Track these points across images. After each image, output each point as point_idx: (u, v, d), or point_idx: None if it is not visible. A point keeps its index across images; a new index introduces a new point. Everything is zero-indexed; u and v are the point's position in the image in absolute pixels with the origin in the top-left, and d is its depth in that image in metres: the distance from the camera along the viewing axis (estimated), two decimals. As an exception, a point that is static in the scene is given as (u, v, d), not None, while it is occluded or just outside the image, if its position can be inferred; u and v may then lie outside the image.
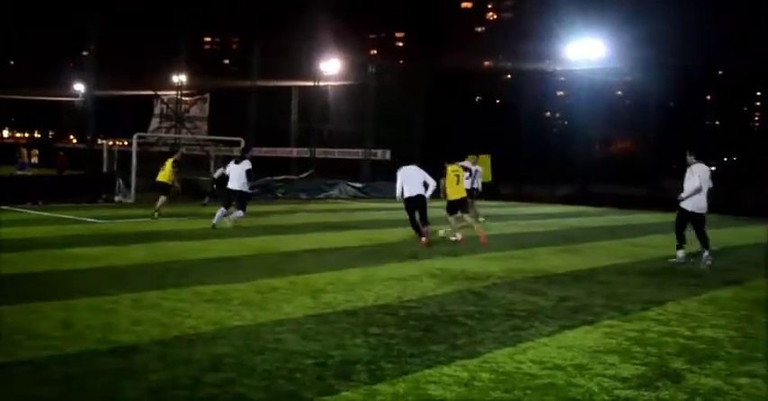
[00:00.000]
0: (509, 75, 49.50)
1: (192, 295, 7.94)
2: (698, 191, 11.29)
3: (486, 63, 56.72)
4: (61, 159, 33.66)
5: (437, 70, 37.93)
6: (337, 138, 31.81)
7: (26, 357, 5.44)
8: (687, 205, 11.43)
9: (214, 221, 15.24)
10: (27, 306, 7.16)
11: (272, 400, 4.68)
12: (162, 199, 17.58)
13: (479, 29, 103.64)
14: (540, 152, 34.13)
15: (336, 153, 32.22)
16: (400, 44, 70.55)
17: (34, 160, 35.86)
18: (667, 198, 25.80)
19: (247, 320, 6.87)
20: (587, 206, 27.60)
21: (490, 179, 28.64)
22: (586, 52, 31.81)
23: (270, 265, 10.35)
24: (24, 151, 33.49)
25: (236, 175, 15.33)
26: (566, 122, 46.59)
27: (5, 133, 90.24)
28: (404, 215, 14.02)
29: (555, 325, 6.97)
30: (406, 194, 13.63)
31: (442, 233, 14.91)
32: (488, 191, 30.54)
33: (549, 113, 48.52)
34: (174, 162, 18.40)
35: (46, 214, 17.68)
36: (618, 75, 39.19)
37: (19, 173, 27.50)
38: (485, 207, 25.43)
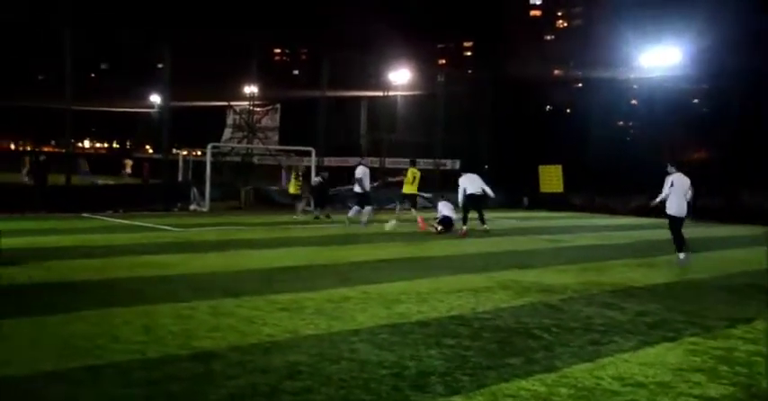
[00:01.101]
0: (580, 84, 48.78)
1: (267, 303, 8.05)
2: (668, 197, 12.78)
3: (556, 71, 56.01)
4: (132, 167, 34.95)
5: (506, 79, 37.64)
6: (406, 148, 31.82)
7: (112, 360, 5.59)
8: (669, 210, 12.87)
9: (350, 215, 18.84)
10: (110, 311, 7.38)
11: (349, 410, 4.68)
12: (299, 205, 21.38)
13: (549, 37, 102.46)
14: (611, 162, 33.40)
15: (405, 163, 32.20)
16: (468, 53, 70.35)
17: (128, 170, 37.44)
18: (746, 210, 25.01)
19: (322, 329, 6.91)
20: (661, 218, 26.82)
21: (561, 189, 28.22)
22: (661, 59, 31.05)
23: (341, 275, 10.41)
24: (129, 162, 35.22)
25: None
26: (639, 131, 45.54)
27: (87, 143, 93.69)
28: (475, 226, 13.94)
29: (634, 340, 6.78)
30: (468, 192, 17.24)
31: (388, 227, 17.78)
32: (559, 203, 30.16)
33: (621, 122, 47.52)
34: (297, 175, 21.99)
35: (126, 222, 18.25)
36: (694, 82, 38.13)
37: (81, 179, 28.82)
38: (556, 218, 25.06)
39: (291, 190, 22.22)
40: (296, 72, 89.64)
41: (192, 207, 23.05)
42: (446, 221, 17.79)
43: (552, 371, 5.63)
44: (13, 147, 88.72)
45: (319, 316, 7.45)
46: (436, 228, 17.52)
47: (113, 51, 71.58)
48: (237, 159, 34.63)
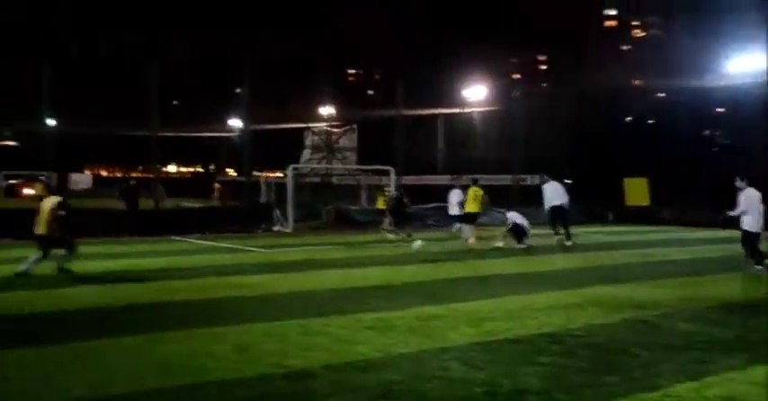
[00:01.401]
0: (662, 94, 47.50)
1: (356, 322, 8.08)
2: (744, 212, 12.55)
3: (636, 82, 54.73)
4: (220, 191, 35.96)
5: (584, 91, 37.03)
6: (484, 164, 31.63)
7: (211, 378, 5.72)
8: (745, 225, 12.62)
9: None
10: (204, 331, 7.56)
11: (447, 429, 4.64)
12: (385, 222, 20.95)
13: (625, 47, 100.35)
14: (698, 173, 32.29)
15: (484, 180, 32.01)
16: (543, 67, 69.61)
17: (216, 194, 38.85)
18: None
19: (412, 347, 6.89)
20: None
21: (648, 203, 27.36)
22: (748, 65, 29.98)
23: (428, 292, 10.37)
24: (217, 186, 36.55)
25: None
26: (726, 141, 43.92)
27: (172, 168, 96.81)
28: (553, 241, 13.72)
29: (740, 358, 6.49)
30: (554, 203, 17.96)
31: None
32: (646, 216, 29.29)
33: (707, 131, 45.95)
34: (383, 193, 23.01)
35: (213, 244, 18.71)
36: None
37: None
38: (644, 232, 24.37)
39: (379, 205, 22.86)
40: (370, 92, 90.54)
41: (276, 228, 23.43)
42: (518, 229, 17.61)
43: (654, 390, 5.45)
44: (104, 173, 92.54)
45: (409, 335, 7.44)
46: (518, 241, 17.36)
47: (195, 78, 73.92)
48: (317, 180, 35.12)
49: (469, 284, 11.33)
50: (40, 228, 11.86)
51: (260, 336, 7.28)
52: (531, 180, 31.24)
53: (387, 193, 22.40)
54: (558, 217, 18.37)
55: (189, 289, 10.59)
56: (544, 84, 55.49)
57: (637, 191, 28.15)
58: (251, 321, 8.06)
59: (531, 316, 8.52)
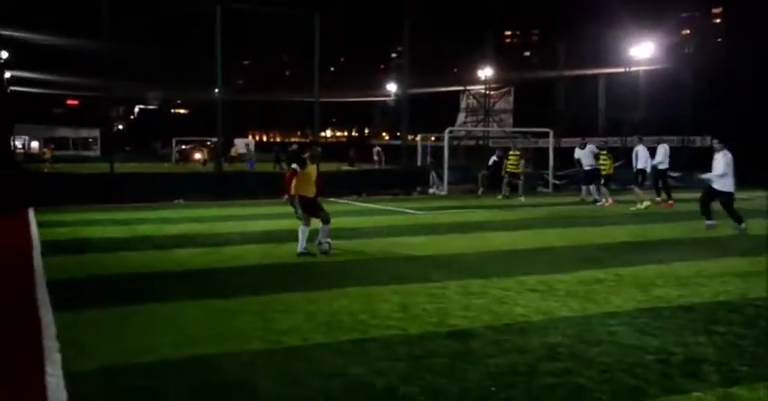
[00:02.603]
0: None
1: (516, 284, 7.99)
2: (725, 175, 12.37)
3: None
4: (378, 154, 36.90)
5: (764, 46, 33.98)
6: (650, 125, 29.99)
7: (374, 335, 5.86)
8: (726, 187, 12.48)
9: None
10: (366, 289, 7.75)
11: (615, 394, 4.48)
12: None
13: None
14: None
15: (648, 142, 30.42)
16: (717, 21, 64.56)
17: (375, 157, 40.28)
18: None
19: (576, 311, 6.72)
20: None
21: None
22: None
23: (589, 256, 10.06)
24: (377, 149, 37.93)
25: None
26: None
27: (329, 133, 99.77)
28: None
29: None
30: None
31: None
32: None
33: None
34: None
35: (369, 206, 19.12)
36: None
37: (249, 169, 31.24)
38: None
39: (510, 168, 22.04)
40: (527, 53, 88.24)
41: (432, 190, 23.58)
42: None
43: None
44: (265, 138, 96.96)
45: (572, 298, 7.25)
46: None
47: (351, 43, 75.24)
48: (472, 143, 34.88)
49: (633, 249, 10.85)
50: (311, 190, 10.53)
51: (421, 296, 7.36)
52: (700, 141, 29.40)
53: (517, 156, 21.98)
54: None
55: (347, 249, 10.87)
56: (718, 39, 51.55)
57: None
58: (412, 281, 8.17)
59: (704, 283, 8.04)
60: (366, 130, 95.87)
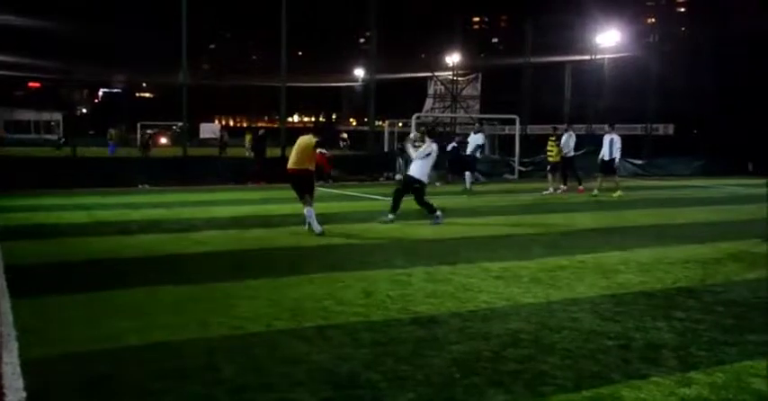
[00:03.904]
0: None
1: (481, 271, 8.03)
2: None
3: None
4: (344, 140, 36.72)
5: (729, 35, 34.44)
6: (614, 113, 30.32)
7: (337, 321, 5.85)
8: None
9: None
10: (330, 275, 7.73)
11: (577, 379, 4.53)
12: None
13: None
14: None
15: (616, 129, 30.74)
16: (682, 10, 65.34)
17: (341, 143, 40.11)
18: None
19: (539, 298, 6.78)
20: None
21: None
22: None
23: (552, 243, 10.16)
24: (343, 135, 37.55)
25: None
26: None
27: (296, 118, 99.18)
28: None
29: None
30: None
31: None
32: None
33: None
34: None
35: (336, 191, 19.06)
36: None
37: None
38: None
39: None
40: (495, 40, 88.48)
41: (398, 177, 23.56)
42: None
43: (803, 350, 5.10)
44: (232, 123, 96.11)
45: (536, 285, 7.31)
46: None
47: (319, 28, 74.75)
48: (440, 129, 34.88)
49: (597, 236, 11.00)
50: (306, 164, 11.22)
51: (386, 283, 7.36)
52: (663, 130, 29.82)
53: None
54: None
55: (314, 236, 10.83)
56: (683, 28, 52.11)
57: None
58: (377, 267, 8.17)
59: (665, 269, 8.18)
60: (334, 116, 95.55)
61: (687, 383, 4.47)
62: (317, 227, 10.86)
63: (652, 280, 7.62)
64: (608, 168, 18.41)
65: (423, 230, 11.56)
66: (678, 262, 8.60)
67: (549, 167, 19.66)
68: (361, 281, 7.39)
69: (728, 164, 27.38)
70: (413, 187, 12.47)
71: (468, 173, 19.91)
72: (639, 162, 27.51)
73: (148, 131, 56.22)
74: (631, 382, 4.49)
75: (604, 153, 18.28)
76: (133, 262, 8.63)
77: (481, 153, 20.14)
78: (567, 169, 19.40)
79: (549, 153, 19.55)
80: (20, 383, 4.36)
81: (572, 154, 19.14)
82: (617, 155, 18.19)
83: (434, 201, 12.90)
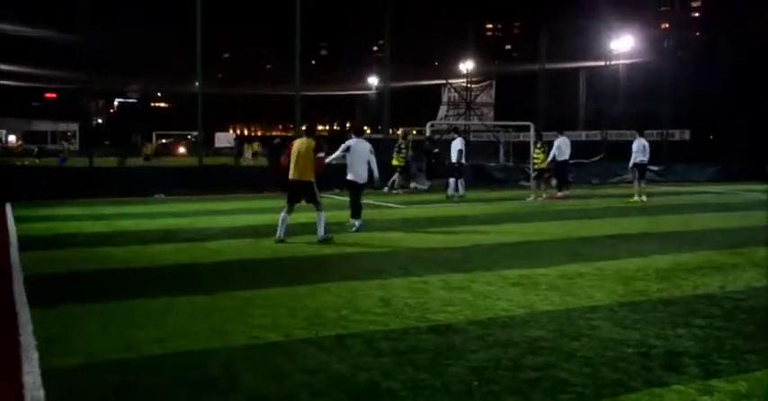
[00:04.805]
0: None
1: (499, 278, 8.00)
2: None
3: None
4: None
5: (743, 40, 34.25)
6: (630, 119, 30.21)
7: (356, 330, 5.84)
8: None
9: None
10: (348, 284, 7.72)
11: (597, 387, 4.50)
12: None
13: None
14: None
15: (629, 135, 30.63)
16: (696, 14, 65.03)
17: None
18: None
19: (557, 305, 6.74)
20: None
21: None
22: None
23: (571, 250, 10.11)
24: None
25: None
26: None
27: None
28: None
29: None
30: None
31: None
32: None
33: None
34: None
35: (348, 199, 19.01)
36: None
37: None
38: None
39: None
40: (508, 46, 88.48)
41: (413, 185, 23.56)
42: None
43: (827, 358, 5.04)
44: (246, 132, 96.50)
45: (554, 292, 7.28)
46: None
47: (332, 37, 75.16)
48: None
49: (614, 243, 10.93)
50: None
51: (403, 291, 7.35)
52: (679, 135, 29.65)
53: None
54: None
55: (330, 244, 10.83)
56: (697, 33, 51.93)
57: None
58: (394, 276, 8.15)
59: (684, 276, 8.11)
60: (348, 124, 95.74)
61: (709, 391, 4.43)
62: (320, 233, 10.89)
63: (671, 286, 7.56)
64: (643, 172, 18.53)
65: (436, 238, 11.54)
66: (697, 269, 8.53)
67: (534, 174, 19.69)
68: (378, 290, 7.39)
69: (745, 168, 27.17)
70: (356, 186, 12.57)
71: (451, 180, 19.85)
72: (656, 168, 27.29)
73: (163, 141, 56.69)
74: (652, 390, 4.45)
75: (638, 157, 18.27)
76: (151, 271, 8.67)
77: (466, 159, 20.04)
78: (561, 174, 19.36)
79: (535, 160, 19.59)
80: (41, 393, 4.39)
81: (565, 158, 19.04)
82: (645, 158, 18.33)
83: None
